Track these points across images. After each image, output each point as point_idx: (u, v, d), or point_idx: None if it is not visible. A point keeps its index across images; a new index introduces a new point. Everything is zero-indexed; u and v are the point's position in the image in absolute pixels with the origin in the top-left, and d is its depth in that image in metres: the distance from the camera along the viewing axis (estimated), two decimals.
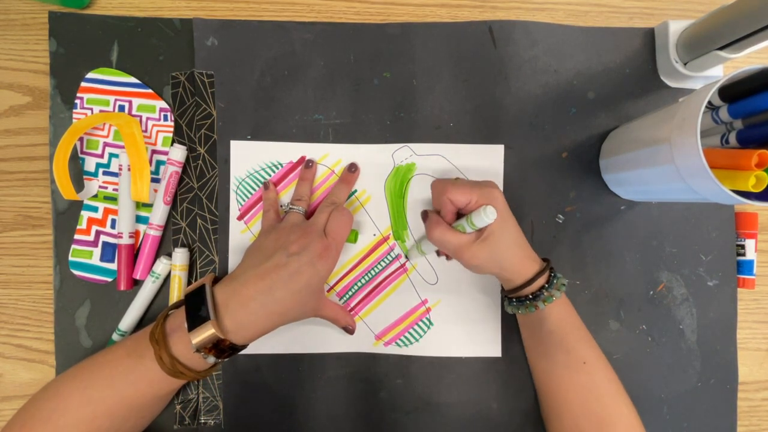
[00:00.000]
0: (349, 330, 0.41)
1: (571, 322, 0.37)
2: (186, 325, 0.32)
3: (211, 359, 0.33)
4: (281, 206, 0.42)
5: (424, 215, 0.38)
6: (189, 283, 0.42)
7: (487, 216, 0.33)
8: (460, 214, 0.38)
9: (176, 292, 0.41)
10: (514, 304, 0.38)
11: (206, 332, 0.32)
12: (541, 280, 0.36)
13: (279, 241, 0.36)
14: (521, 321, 0.40)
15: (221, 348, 0.32)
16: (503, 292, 0.39)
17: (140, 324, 0.41)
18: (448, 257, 0.43)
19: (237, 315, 0.33)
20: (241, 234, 0.42)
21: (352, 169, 0.42)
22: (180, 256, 0.40)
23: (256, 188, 0.42)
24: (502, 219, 0.35)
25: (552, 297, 0.36)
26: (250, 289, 0.34)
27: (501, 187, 0.43)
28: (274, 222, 0.40)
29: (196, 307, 0.33)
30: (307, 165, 0.42)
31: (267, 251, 0.36)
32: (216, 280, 0.37)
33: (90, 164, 0.42)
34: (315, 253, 0.35)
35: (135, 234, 0.41)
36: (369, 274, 0.43)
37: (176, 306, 0.35)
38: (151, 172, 0.41)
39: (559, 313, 0.37)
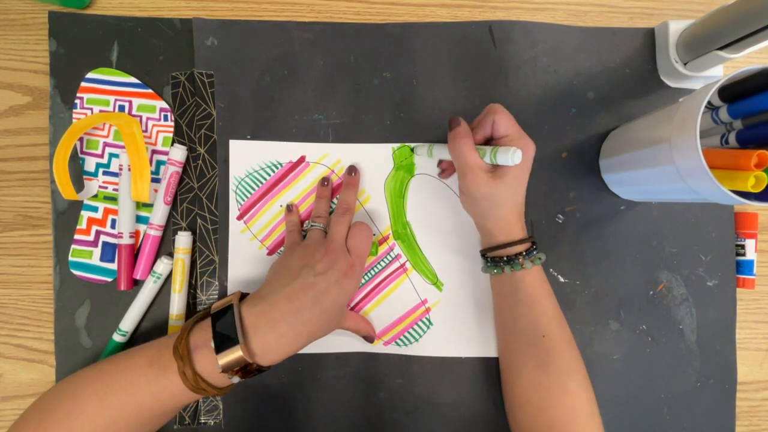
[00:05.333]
0: (370, 339, 0.41)
1: (541, 295, 0.37)
2: (212, 344, 0.32)
3: (236, 379, 0.33)
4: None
5: (456, 121, 0.36)
6: (192, 267, 0.41)
7: (512, 158, 0.33)
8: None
9: (179, 276, 0.40)
10: (489, 265, 0.38)
11: (234, 355, 0.31)
12: (520, 248, 0.36)
13: (304, 259, 0.36)
14: (493, 285, 0.40)
15: (248, 370, 0.32)
16: (481, 251, 0.40)
17: (141, 324, 0.41)
18: (444, 175, 0.42)
19: (266, 338, 0.33)
20: (240, 234, 0.42)
21: (352, 172, 0.42)
22: (184, 239, 0.41)
23: (256, 188, 0.42)
24: (521, 173, 0.35)
25: (522, 266, 0.36)
26: (279, 310, 0.33)
27: None
28: (297, 240, 0.40)
29: (223, 327, 0.32)
30: (323, 183, 0.42)
31: (293, 270, 0.36)
32: (240, 296, 0.36)
33: (90, 164, 0.42)
34: (341, 272, 0.35)
35: (135, 234, 0.41)
36: (369, 274, 0.43)
37: (200, 318, 0.35)
38: (151, 172, 0.41)
39: (533, 281, 0.37)
